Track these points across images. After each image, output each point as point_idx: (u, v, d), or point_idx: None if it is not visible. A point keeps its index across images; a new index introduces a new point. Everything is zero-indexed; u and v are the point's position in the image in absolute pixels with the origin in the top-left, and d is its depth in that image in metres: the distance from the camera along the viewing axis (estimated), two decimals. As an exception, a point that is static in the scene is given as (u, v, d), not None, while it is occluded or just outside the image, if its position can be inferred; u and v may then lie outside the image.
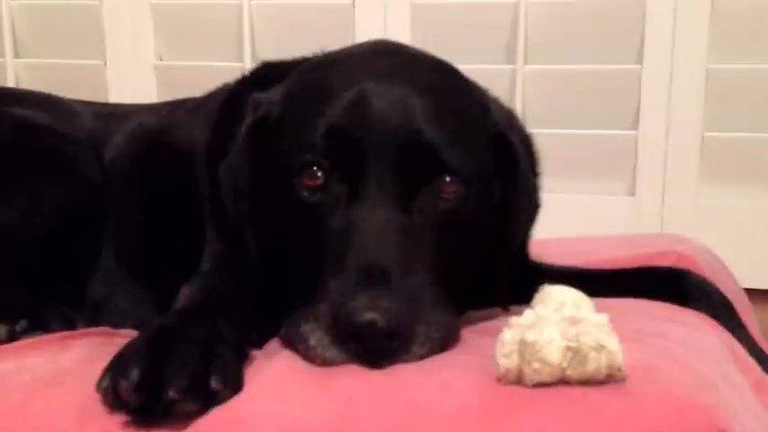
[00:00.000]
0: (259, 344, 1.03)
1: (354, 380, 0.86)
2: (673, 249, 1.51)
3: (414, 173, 1.02)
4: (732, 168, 2.26)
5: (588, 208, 2.31)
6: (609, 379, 0.80)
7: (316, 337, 0.92)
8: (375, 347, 0.89)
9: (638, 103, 2.26)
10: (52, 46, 2.65)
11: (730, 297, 1.32)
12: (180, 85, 2.24)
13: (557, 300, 0.85)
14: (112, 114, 1.58)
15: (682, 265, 1.42)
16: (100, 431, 0.83)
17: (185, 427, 0.81)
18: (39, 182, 1.36)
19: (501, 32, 2.34)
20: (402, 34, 2.28)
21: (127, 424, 0.82)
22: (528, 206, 1.20)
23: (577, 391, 0.79)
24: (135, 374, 0.80)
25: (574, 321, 0.80)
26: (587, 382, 0.79)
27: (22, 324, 1.18)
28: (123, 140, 1.49)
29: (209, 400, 0.82)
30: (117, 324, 1.33)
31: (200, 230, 1.29)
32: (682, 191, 2.27)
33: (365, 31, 2.33)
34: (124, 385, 0.80)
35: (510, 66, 2.33)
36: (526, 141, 1.27)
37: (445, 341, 0.96)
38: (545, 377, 0.79)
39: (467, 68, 1.20)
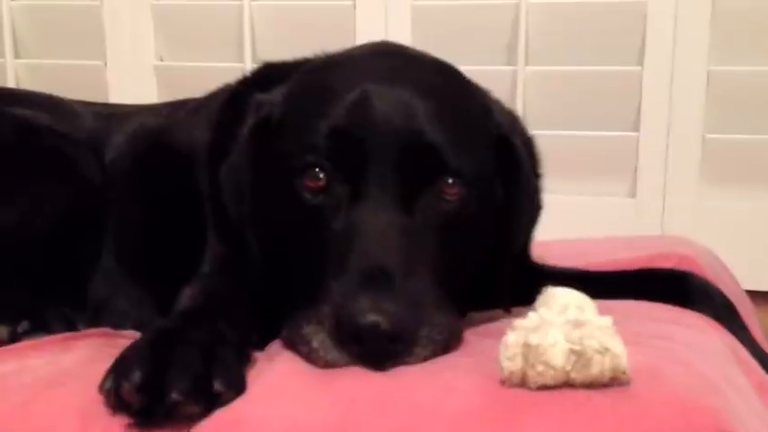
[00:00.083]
0: (260, 345, 1.03)
1: (357, 382, 0.86)
2: (674, 251, 1.51)
3: (416, 174, 1.02)
4: (733, 170, 2.26)
5: (589, 209, 2.31)
6: (613, 382, 0.80)
7: (318, 339, 0.92)
8: (378, 349, 0.89)
9: (639, 104, 2.26)
10: (53, 46, 2.65)
11: (732, 299, 1.32)
12: (180, 85, 2.24)
13: (560, 302, 0.85)
14: (113, 115, 1.58)
15: (684, 267, 1.42)
16: (102, 433, 0.83)
17: (188, 429, 0.81)
18: (39, 182, 1.36)
19: (502, 33, 2.34)
20: (403, 35, 2.28)
21: (129, 426, 0.82)
22: (530, 208, 1.20)
23: (581, 394, 0.79)
24: (137, 376, 0.80)
25: (578, 324, 0.79)
26: (591, 385, 0.79)
27: (24, 325, 1.18)
28: (124, 141, 1.49)
29: (211, 402, 0.82)
30: (117, 325, 1.33)
31: (200, 231, 1.29)
32: (682, 192, 2.27)
33: (366, 32, 2.33)
34: (127, 387, 0.80)
35: (511, 67, 2.33)
36: (528, 143, 1.27)
37: (448, 343, 0.95)
38: (549, 380, 0.79)
39: (467, 69, 1.20)
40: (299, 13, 2.47)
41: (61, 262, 1.36)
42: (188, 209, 1.33)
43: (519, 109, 2.24)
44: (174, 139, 1.44)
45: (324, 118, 1.04)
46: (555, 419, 0.77)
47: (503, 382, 0.82)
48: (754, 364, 1.16)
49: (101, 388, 0.84)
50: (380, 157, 1.01)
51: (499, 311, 1.16)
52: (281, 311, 1.03)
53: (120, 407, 0.82)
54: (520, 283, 1.15)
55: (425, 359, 0.92)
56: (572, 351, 0.78)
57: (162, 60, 2.59)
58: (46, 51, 2.66)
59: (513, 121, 1.24)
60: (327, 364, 0.91)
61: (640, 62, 2.26)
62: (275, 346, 1.02)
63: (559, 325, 0.80)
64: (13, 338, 1.17)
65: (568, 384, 0.80)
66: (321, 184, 1.03)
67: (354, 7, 2.40)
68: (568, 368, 0.78)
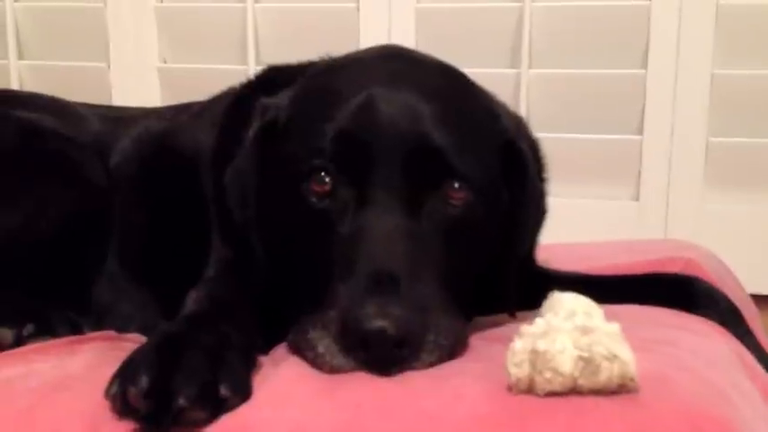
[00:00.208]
0: (265, 350, 1.02)
1: (363, 388, 0.86)
2: (680, 256, 1.51)
3: (422, 178, 1.02)
4: (737, 173, 2.26)
5: (592, 212, 2.31)
6: (621, 389, 0.79)
7: (324, 344, 0.92)
8: (384, 355, 0.88)
9: (643, 107, 2.26)
10: (56, 48, 2.65)
11: (737, 303, 1.32)
12: (183, 87, 2.25)
13: (567, 308, 0.84)
14: (118, 118, 1.58)
15: (689, 271, 1.42)
16: (108, 438, 0.83)
17: (194, 435, 0.81)
18: (44, 186, 1.36)
19: (505, 36, 2.34)
20: (406, 38, 2.29)
21: (135, 431, 0.82)
22: (535, 212, 1.19)
23: (589, 401, 0.78)
24: (144, 381, 0.80)
25: (586, 330, 0.79)
26: (599, 391, 0.79)
27: (29, 328, 1.17)
28: (129, 145, 1.49)
29: (217, 408, 0.82)
30: (122, 328, 1.33)
31: (205, 235, 1.29)
32: (686, 196, 2.27)
33: (369, 35, 2.33)
34: (133, 392, 0.80)
35: (514, 70, 2.33)
36: (533, 147, 1.27)
37: (454, 348, 0.95)
38: (556, 387, 0.79)
39: (471, 72, 1.20)
40: (302, 16, 2.47)
41: (66, 265, 1.36)
42: (193, 212, 1.33)
43: (522, 112, 2.23)
44: (179, 143, 1.44)
45: (330, 121, 1.04)
46: (563, 426, 0.76)
47: (510, 389, 0.82)
48: (759, 368, 1.16)
49: (107, 393, 0.83)
50: (386, 161, 1.01)
51: (505, 316, 1.16)
52: (286, 315, 1.03)
53: (127, 412, 0.81)
54: (525, 287, 1.15)
55: (432, 365, 0.91)
56: (580, 358, 0.77)
57: (165, 62, 2.59)
58: (49, 53, 2.67)
59: (518, 125, 1.24)
60: (333, 370, 0.90)
61: (644, 65, 2.26)
62: (280, 351, 1.02)
63: (567, 331, 0.79)
64: (19, 341, 1.17)
65: (576, 391, 0.79)
66: (327, 188, 1.02)
67: (358, 10, 2.40)
68: (576, 375, 0.78)
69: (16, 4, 2.64)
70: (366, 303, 0.89)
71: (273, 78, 1.34)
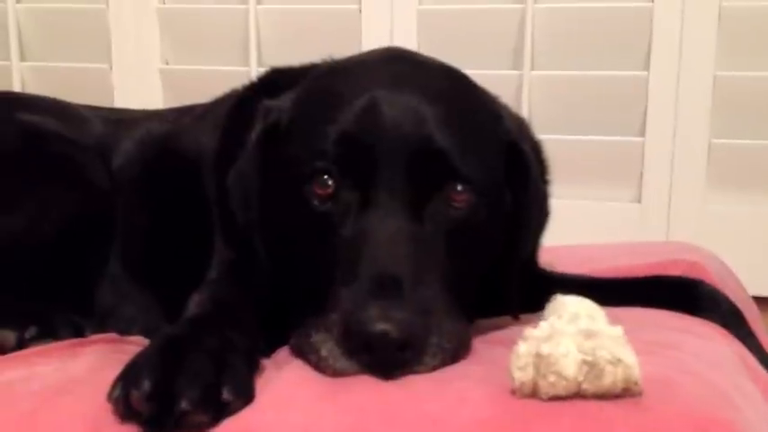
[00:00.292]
0: (267, 352, 1.02)
1: (367, 391, 0.86)
2: (683, 258, 1.51)
3: (425, 180, 1.02)
4: (739, 175, 2.26)
5: (594, 214, 2.30)
6: (625, 393, 0.79)
7: (327, 347, 0.92)
8: (387, 358, 0.88)
9: (645, 109, 2.26)
10: (58, 49, 2.65)
11: (739, 305, 1.32)
12: (185, 89, 2.25)
13: (570, 311, 0.84)
14: (120, 120, 1.58)
15: (692, 274, 1.41)
16: (111, 441, 0.83)
17: (197, 438, 0.81)
18: (47, 188, 1.36)
19: (507, 38, 2.34)
20: (408, 40, 2.29)
21: (138, 434, 0.82)
22: (538, 214, 1.19)
23: (593, 405, 0.78)
24: (147, 385, 0.80)
25: (590, 334, 0.79)
26: (603, 395, 0.79)
27: (31, 331, 1.17)
28: (131, 147, 1.49)
29: (220, 411, 0.82)
30: (124, 331, 1.33)
31: (208, 237, 1.28)
32: (688, 197, 2.26)
33: (371, 37, 2.33)
34: (136, 395, 0.80)
35: (516, 71, 2.33)
36: (536, 149, 1.27)
37: (457, 351, 0.95)
38: (560, 391, 0.79)
39: (473, 74, 1.20)
40: (304, 18, 2.47)
41: (68, 268, 1.36)
42: (195, 215, 1.33)
43: (524, 113, 2.22)
44: (182, 145, 1.44)
45: (332, 124, 1.03)
46: (567, 430, 0.76)
47: (514, 393, 0.82)
48: (761, 370, 1.16)
49: (110, 396, 0.83)
50: (389, 164, 1.00)
51: (506, 318, 1.16)
52: (289, 318, 1.03)
53: (130, 415, 0.81)
54: (527, 289, 1.15)
55: (435, 368, 0.91)
56: (584, 362, 0.77)
57: (167, 64, 2.59)
58: (51, 54, 2.67)
59: (521, 127, 1.23)
60: (336, 373, 0.90)
61: (646, 67, 2.25)
62: (283, 354, 1.02)
63: (571, 335, 0.79)
64: (21, 344, 1.16)
65: (580, 395, 0.79)
66: (330, 190, 1.02)
67: (360, 12, 2.40)
68: (580, 379, 0.78)
69: (18, 5, 2.64)
70: (369, 306, 0.89)
71: (276, 80, 1.34)
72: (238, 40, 2.50)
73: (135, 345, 1.20)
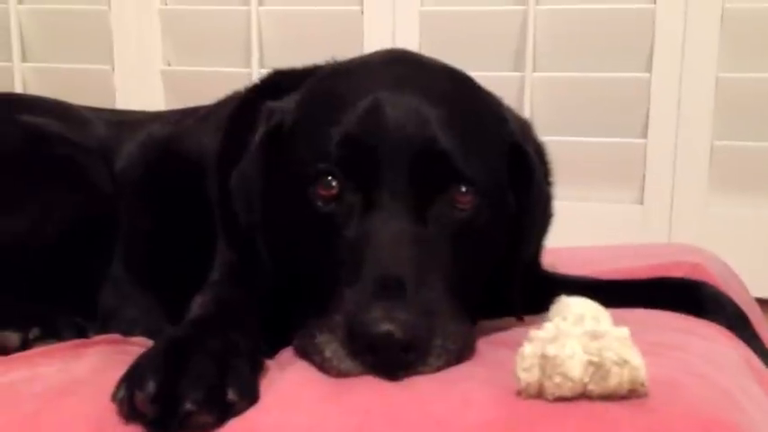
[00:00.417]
0: (271, 354, 1.02)
1: (371, 392, 0.86)
2: (685, 260, 1.51)
3: (428, 182, 1.02)
4: (741, 177, 2.25)
5: (596, 216, 2.30)
6: (631, 394, 0.79)
7: (331, 348, 0.92)
8: (391, 359, 0.88)
9: (648, 111, 2.25)
10: (60, 50, 2.65)
11: (742, 307, 1.32)
12: (187, 90, 2.25)
13: (575, 312, 0.84)
14: (123, 122, 1.57)
15: (695, 275, 1.41)
16: (114, 443, 0.82)
17: (201, 439, 0.80)
18: (50, 190, 1.36)
19: (509, 40, 2.34)
20: (410, 41, 2.28)
21: (142, 436, 0.82)
22: (541, 216, 1.19)
23: (599, 406, 0.78)
24: (151, 386, 0.80)
25: (595, 335, 0.79)
26: (609, 397, 0.79)
27: (35, 332, 1.17)
28: (134, 149, 1.49)
29: (225, 412, 0.82)
30: (127, 332, 1.33)
31: (210, 239, 1.28)
32: (691, 199, 2.26)
33: (373, 39, 2.33)
34: (140, 396, 0.80)
35: (518, 73, 2.32)
36: (539, 150, 1.27)
37: (461, 353, 0.95)
38: (566, 392, 0.78)
39: (475, 76, 1.20)
40: (306, 19, 2.47)
41: (71, 269, 1.36)
42: (198, 217, 1.32)
43: (526, 115, 2.23)
44: (184, 147, 1.44)
45: (336, 125, 1.03)
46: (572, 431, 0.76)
47: (519, 394, 0.81)
48: (766, 372, 1.15)
49: (114, 397, 0.83)
50: (393, 165, 1.00)
51: (511, 320, 1.16)
52: (292, 319, 1.03)
53: (134, 417, 0.81)
54: (530, 291, 1.15)
55: (439, 369, 0.91)
56: (590, 363, 0.77)
57: (169, 65, 2.59)
58: (53, 55, 2.67)
59: (524, 129, 1.23)
60: (340, 374, 0.90)
61: (649, 69, 2.25)
62: (286, 355, 1.01)
63: (577, 336, 0.79)
64: (25, 345, 1.16)
65: (586, 396, 0.79)
66: (333, 192, 1.02)
67: (362, 14, 2.40)
68: (586, 380, 0.78)
69: (20, 6, 2.64)
70: (373, 307, 0.89)
71: (278, 82, 1.34)
72: (240, 42, 2.50)
73: (138, 346, 1.19)
